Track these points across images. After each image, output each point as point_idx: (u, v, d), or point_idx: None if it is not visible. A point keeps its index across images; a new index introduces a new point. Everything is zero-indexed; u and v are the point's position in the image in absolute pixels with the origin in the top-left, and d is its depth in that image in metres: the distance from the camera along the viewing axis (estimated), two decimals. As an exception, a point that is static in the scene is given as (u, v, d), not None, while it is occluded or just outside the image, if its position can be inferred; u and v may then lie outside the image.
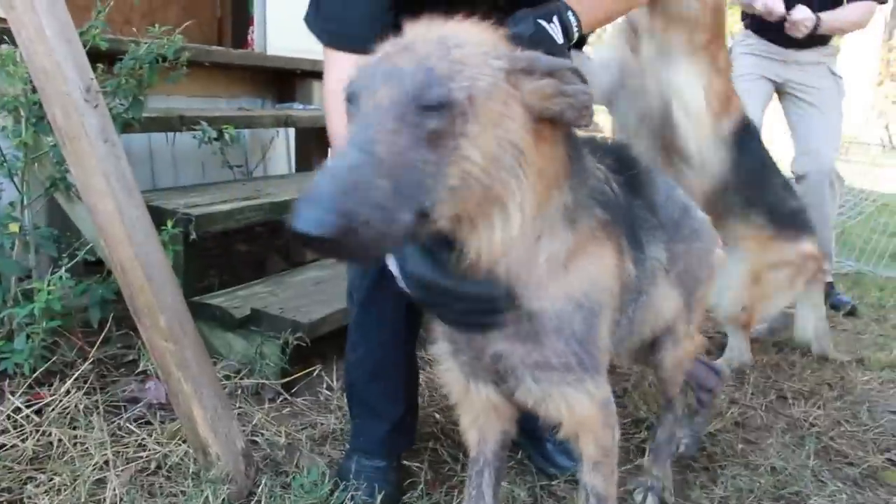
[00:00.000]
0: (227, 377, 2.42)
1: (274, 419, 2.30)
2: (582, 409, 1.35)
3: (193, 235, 2.52)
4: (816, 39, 3.91)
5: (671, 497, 2.04)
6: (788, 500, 2.13)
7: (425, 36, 1.11)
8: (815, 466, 2.30)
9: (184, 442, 1.99)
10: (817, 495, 2.15)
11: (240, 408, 2.31)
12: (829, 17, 3.75)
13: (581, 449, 1.45)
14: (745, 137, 2.88)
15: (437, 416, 2.38)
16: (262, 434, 2.21)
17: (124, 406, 2.23)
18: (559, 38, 1.67)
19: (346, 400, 2.06)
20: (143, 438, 2.05)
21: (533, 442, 2.18)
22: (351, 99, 1.08)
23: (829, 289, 4.11)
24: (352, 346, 1.97)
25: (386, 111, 1.01)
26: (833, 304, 4.06)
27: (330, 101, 1.62)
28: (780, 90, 4.10)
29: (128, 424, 2.12)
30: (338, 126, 1.51)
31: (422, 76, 1.02)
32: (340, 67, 1.53)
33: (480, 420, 1.52)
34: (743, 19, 4.18)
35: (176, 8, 5.29)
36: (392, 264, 1.30)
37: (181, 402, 1.89)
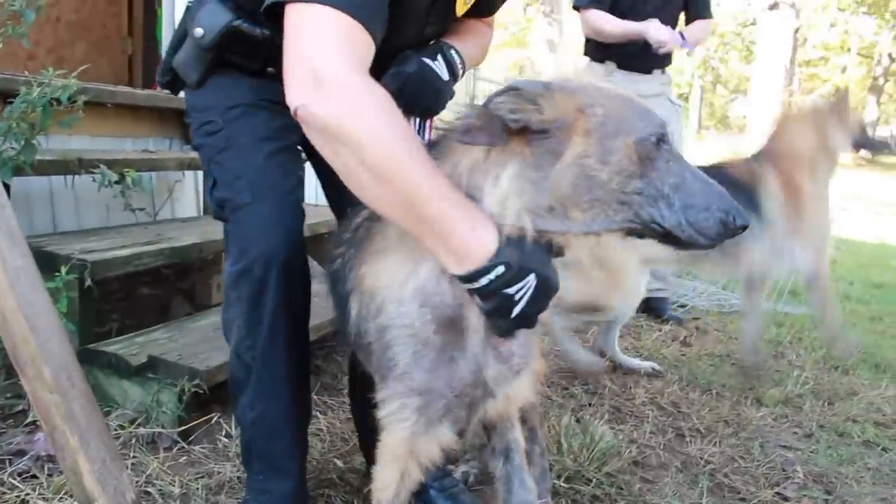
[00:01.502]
0: (122, 426, 2.36)
1: (169, 468, 2.24)
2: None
3: (88, 282, 2.46)
4: (658, 61, 4.27)
5: (566, 537, 2.09)
6: (680, 538, 2.19)
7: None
8: (709, 503, 2.36)
9: (70, 496, 1.93)
10: (708, 532, 2.22)
11: (134, 457, 2.25)
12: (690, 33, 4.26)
13: (510, 415, 1.66)
14: None
15: (337, 461, 2.36)
16: (156, 484, 2.15)
17: (9, 459, 2.15)
18: (444, 75, 1.73)
19: (243, 455, 2.00)
20: (26, 494, 1.98)
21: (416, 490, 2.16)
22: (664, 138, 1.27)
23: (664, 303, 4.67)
24: (249, 405, 1.87)
25: None
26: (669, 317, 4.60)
27: (367, 90, 1.32)
28: None
29: (11, 479, 2.04)
30: (388, 122, 1.30)
31: None
32: (363, 47, 1.37)
33: (409, 473, 1.55)
34: (586, 53, 4.38)
35: (84, 44, 5.18)
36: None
37: (67, 456, 1.83)
